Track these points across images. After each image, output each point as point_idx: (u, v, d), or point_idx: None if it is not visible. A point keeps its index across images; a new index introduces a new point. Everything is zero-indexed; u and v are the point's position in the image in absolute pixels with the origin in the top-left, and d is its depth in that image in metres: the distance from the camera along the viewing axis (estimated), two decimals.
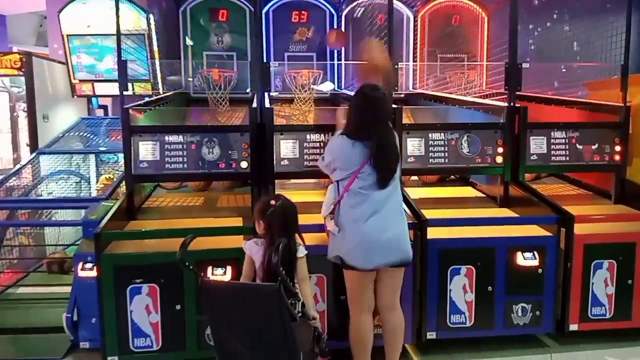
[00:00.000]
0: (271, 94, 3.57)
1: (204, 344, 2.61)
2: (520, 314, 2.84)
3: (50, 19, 5.44)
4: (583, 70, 4.01)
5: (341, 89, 4.82)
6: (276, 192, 3.01)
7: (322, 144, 3.05)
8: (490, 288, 2.81)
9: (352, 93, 3.43)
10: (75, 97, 5.01)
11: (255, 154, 3.02)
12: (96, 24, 4.74)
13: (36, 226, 4.17)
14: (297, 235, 2.29)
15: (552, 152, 3.27)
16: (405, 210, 2.54)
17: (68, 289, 2.87)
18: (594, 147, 3.30)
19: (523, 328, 2.86)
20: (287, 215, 2.23)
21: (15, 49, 7.78)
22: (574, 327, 2.89)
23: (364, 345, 2.43)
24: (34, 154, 4.23)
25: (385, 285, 2.43)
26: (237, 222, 2.94)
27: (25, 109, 4.84)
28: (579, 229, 2.84)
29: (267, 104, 3.16)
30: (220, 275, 2.58)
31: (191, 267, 2.05)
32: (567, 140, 3.28)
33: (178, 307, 2.60)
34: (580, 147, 3.29)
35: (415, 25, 5.08)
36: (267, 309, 1.94)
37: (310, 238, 2.60)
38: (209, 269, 2.58)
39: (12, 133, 5.37)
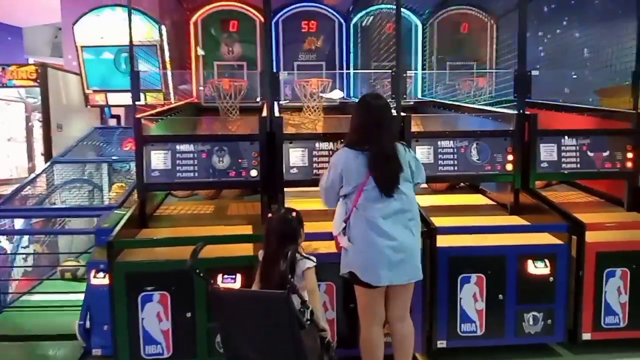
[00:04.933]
0: (281, 102, 3.60)
1: (214, 351, 2.62)
2: (531, 322, 2.81)
3: (65, 30, 5.57)
4: (594, 76, 3.99)
5: (350, 97, 4.85)
6: (286, 200, 3.04)
7: (330, 152, 3.06)
8: (501, 296, 2.79)
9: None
10: (89, 107, 5.11)
11: (265, 163, 3.04)
12: (109, 36, 4.84)
13: (50, 234, 4.23)
14: (302, 248, 2.28)
15: (563, 159, 3.24)
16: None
17: (81, 296, 2.91)
18: (605, 154, 3.26)
19: (534, 337, 2.83)
20: (277, 228, 2.24)
21: (31, 60, 7.97)
22: (586, 336, 2.85)
23: (375, 358, 2.42)
24: (48, 163, 4.31)
25: (396, 299, 2.41)
26: (247, 230, 2.96)
27: (40, 119, 4.95)
28: (590, 236, 2.82)
29: (276, 113, 3.19)
30: (230, 282, 2.60)
31: (202, 274, 2.07)
32: (578, 147, 3.25)
33: (189, 314, 2.62)
34: (591, 154, 3.25)
35: (424, 33, 5.11)
36: (276, 316, 1.95)
37: (319, 246, 2.62)
38: (219, 276, 2.60)
39: (27, 142, 5.48)
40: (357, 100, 4.50)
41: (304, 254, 2.25)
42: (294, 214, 2.30)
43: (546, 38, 4.73)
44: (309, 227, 2.44)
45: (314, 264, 2.23)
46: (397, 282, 2.32)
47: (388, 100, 2.65)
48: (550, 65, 4.57)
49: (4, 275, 3.61)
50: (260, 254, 2.31)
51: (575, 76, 4.28)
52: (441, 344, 2.78)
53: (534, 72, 3.28)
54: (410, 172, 2.40)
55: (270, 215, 2.30)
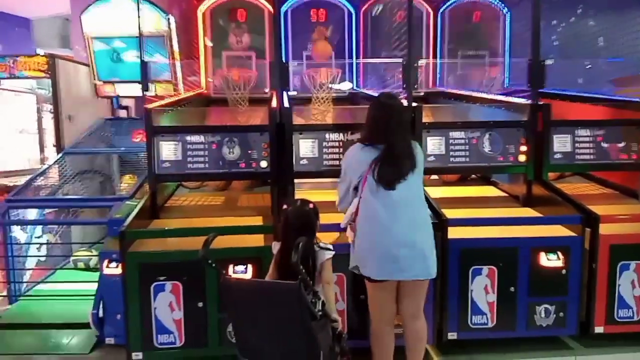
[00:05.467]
0: (290, 93, 3.57)
1: (225, 340, 2.65)
2: (543, 315, 2.79)
3: (74, 21, 5.56)
4: (609, 66, 3.91)
5: (360, 88, 4.81)
6: (296, 192, 3.03)
7: (341, 143, 3.05)
8: (512, 289, 2.77)
9: (371, 92, 3.40)
10: (98, 98, 5.12)
11: (275, 154, 3.04)
12: (118, 26, 4.82)
13: (63, 224, 4.28)
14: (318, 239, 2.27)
15: (577, 150, 3.19)
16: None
17: (94, 286, 2.95)
18: (620, 145, 3.21)
19: (546, 330, 2.81)
20: (296, 221, 2.21)
21: (40, 52, 7.99)
22: (599, 329, 2.83)
23: (385, 353, 2.42)
24: (60, 154, 4.35)
25: (407, 296, 2.38)
26: (257, 221, 2.97)
27: (51, 110, 4.97)
28: (604, 229, 2.78)
29: (286, 104, 3.17)
30: (241, 273, 2.61)
31: (213, 264, 2.08)
32: (592, 138, 3.20)
33: (200, 304, 2.64)
34: (605, 145, 3.20)
35: (435, 23, 5.03)
36: (288, 307, 1.95)
37: (329, 237, 2.62)
38: (230, 267, 2.61)
39: (39, 134, 5.51)
40: (366, 91, 4.49)
41: (322, 245, 2.25)
42: (310, 205, 2.28)
43: (560, 27, 4.64)
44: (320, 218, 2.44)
45: (333, 253, 2.23)
46: (398, 278, 2.29)
47: (401, 99, 2.62)
48: (564, 55, 4.49)
49: (19, 265, 3.66)
50: (274, 245, 2.31)
51: (589, 66, 4.20)
52: (452, 335, 2.78)
53: (548, 62, 3.22)
54: (420, 164, 2.38)
55: (285, 207, 2.27)
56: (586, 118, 3.29)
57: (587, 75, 4.16)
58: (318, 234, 2.38)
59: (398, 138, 2.32)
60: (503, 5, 5.03)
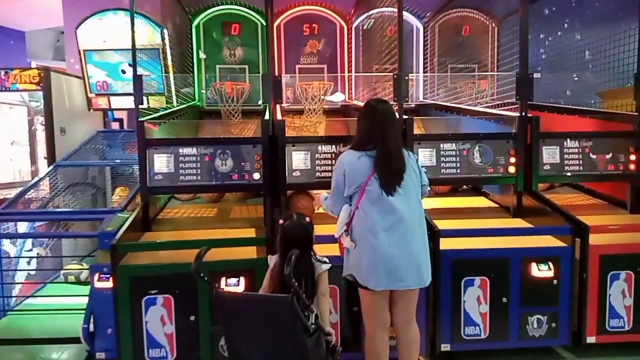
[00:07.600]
0: (282, 105, 3.60)
1: (218, 354, 2.62)
2: (535, 325, 2.81)
3: (67, 34, 5.58)
4: (595, 78, 3.99)
5: (352, 100, 4.86)
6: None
7: (333, 155, 3.07)
8: (504, 299, 2.79)
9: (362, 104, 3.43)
10: (92, 110, 5.12)
11: (268, 166, 3.05)
12: (112, 40, 4.85)
13: (53, 237, 4.24)
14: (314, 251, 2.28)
15: (566, 161, 3.24)
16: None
17: (85, 299, 2.92)
18: (607, 156, 3.26)
19: (538, 340, 2.82)
20: (294, 235, 2.21)
21: (33, 64, 7.98)
22: (591, 339, 2.85)
23: None
24: (51, 167, 4.32)
25: (401, 303, 2.39)
26: (250, 233, 2.97)
27: (43, 123, 4.95)
28: (594, 239, 2.82)
29: (279, 116, 3.20)
30: (233, 286, 2.60)
31: (205, 278, 2.07)
32: (580, 149, 3.26)
33: (192, 318, 2.62)
34: (594, 156, 3.26)
35: (425, 36, 5.12)
36: (280, 320, 1.95)
37: (322, 249, 2.62)
38: (223, 279, 2.60)
39: (30, 146, 5.48)
40: (358, 103, 4.53)
41: (319, 258, 2.26)
42: (307, 219, 2.28)
43: (547, 40, 4.73)
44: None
45: (329, 265, 2.24)
46: (396, 288, 2.30)
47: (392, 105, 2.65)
48: (552, 68, 4.58)
49: (8, 279, 3.61)
50: (271, 259, 2.31)
51: (576, 78, 4.28)
52: (445, 347, 2.78)
53: (536, 75, 3.28)
54: (415, 175, 2.40)
55: (282, 222, 2.27)
56: (574, 130, 3.34)
57: (575, 87, 4.24)
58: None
59: (390, 138, 2.33)
60: (492, 19, 5.13)
